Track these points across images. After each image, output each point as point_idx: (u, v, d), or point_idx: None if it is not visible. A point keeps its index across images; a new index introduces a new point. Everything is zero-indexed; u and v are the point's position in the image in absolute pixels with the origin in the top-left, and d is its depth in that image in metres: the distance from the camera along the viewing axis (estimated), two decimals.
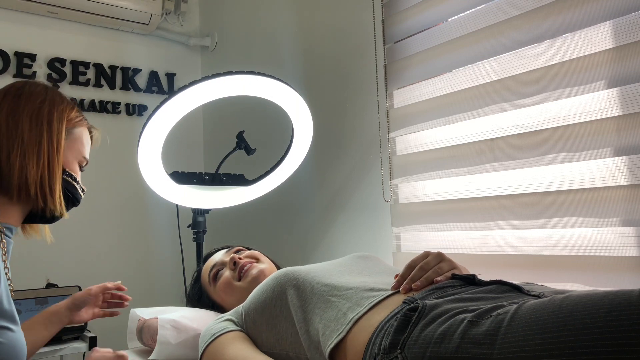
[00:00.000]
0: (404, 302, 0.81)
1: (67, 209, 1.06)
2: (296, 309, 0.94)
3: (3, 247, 0.98)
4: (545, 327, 0.61)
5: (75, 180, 1.07)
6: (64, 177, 1.04)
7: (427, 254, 0.95)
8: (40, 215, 1.03)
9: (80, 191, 1.10)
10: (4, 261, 0.97)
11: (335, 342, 0.83)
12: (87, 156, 1.12)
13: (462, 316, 0.70)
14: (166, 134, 1.32)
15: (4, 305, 0.90)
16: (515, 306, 0.68)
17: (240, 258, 1.23)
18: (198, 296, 1.28)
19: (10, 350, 0.90)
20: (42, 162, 0.99)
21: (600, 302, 0.60)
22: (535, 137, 1.16)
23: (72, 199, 1.07)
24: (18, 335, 0.93)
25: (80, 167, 1.11)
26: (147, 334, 1.22)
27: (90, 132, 1.14)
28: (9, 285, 0.99)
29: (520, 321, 0.64)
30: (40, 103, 1.02)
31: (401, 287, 0.89)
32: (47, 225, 1.12)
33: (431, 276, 0.90)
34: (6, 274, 0.97)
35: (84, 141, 1.11)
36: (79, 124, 1.10)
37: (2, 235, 0.98)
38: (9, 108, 0.99)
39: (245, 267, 1.20)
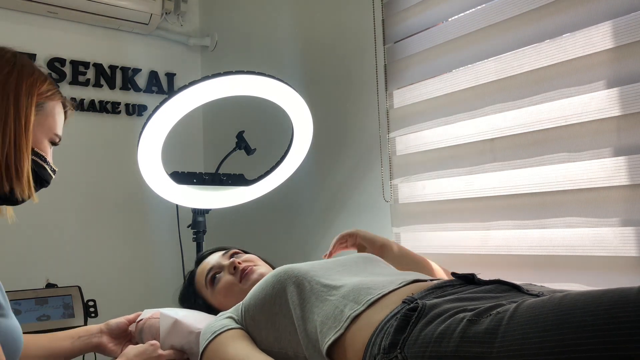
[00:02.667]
0: (403, 302, 0.81)
1: (36, 190, 0.98)
2: (295, 307, 0.94)
3: None
4: (545, 326, 0.61)
5: (44, 160, 0.98)
6: (32, 157, 0.95)
7: None
8: (5, 197, 0.94)
9: (50, 172, 1.00)
10: None
11: (332, 339, 0.83)
12: (60, 133, 1.02)
13: (461, 315, 0.70)
14: (166, 134, 1.32)
15: None
16: (514, 305, 0.68)
17: (239, 262, 1.22)
18: (193, 299, 1.27)
19: (4, 338, 0.89)
20: (8, 141, 0.90)
21: (598, 300, 0.60)
22: (535, 137, 1.16)
23: (40, 180, 0.99)
24: (10, 321, 0.91)
25: (54, 144, 1.02)
26: (148, 334, 1.21)
27: (64, 107, 1.04)
28: None
29: (519, 320, 0.64)
30: (7, 74, 0.92)
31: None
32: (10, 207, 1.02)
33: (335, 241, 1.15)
34: None
35: (57, 117, 1.00)
36: (51, 98, 0.99)
37: None
38: None
39: (247, 271, 1.19)
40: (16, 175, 0.91)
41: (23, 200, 0.96)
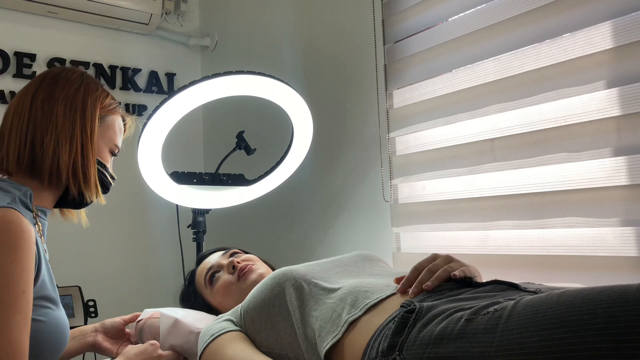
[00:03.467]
0: (401, 306, 0.80)
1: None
2: (294, 309, 0.94)
3: (39, 230, 0.99)
4: (543, 324, 0.61)
5: (105, 167, 1.09)
6: None
7: (435, 256, 0.92)
8: (73, 200, 1.04)
9: (110, 179, 1.11)
10: (43, 243, 0.99)
11: (330, 344, 0.83)
12: (119, 144, 1.13)
13: (458, 314, 0.70)
14: (166, 134, 1.32)
15: (49, 290, 0.93)
16: (512, 302, 0.68)
17: (238, 262, 1.22)
18: (193, 298, 1.28)
19: (53, 328, 0.92)
20: (75, 149, 1.00)
21: (597, 298, 0.60)
22: (535, 137, 1.16)
23: (101, 185, 1.08)
24: (59, 312, 0.95)
25: (113, 154, 1.13)
26: (148, 334, 1.21)
27: (123, 120, 1.15)
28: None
29: (518, 318, 0.64)
30: (76, 90, 1.03)
31: (410, 291, 0.85)
32: (82, 210, 1.14)
33: (442, 275, 0.86)
34: (45, 251, 0.99)
35: (117, 129, 1.12)
36: (113, 112, 1.10)
37: (38, 218, 1.00)
38: (44, 94, 1.01)
39: (245, 270, 1.19)
40: (84, 180, 1.02)
41: (90, 202, 1.07)
